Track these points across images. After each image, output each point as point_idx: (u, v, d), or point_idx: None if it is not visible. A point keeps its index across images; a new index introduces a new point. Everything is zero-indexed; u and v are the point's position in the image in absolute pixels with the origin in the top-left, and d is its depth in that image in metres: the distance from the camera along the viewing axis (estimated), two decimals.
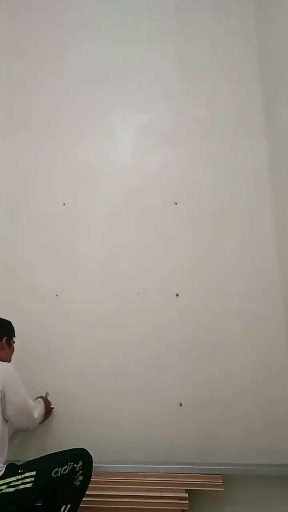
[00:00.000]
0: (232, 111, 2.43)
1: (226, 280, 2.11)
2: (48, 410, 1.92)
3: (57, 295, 2.17)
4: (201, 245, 2.19)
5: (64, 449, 1.63)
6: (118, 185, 2.34)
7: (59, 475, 1.47)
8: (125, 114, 2.51)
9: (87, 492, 1.58)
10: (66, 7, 2.75)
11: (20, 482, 1.41)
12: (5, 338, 1.80)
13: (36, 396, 1.93)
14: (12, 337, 1.86)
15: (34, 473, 1.44)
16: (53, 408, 1.96)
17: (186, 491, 1.70)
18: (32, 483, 1.42)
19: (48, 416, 1.93)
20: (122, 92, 2.54)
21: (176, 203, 2.28)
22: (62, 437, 1.93)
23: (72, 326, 2.11)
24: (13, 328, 1.87)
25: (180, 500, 1.68)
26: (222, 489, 1.71)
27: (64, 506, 1.46)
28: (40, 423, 1.86)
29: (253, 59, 2.50)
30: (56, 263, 2.23)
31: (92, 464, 1.58)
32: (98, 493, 1.68)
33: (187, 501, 1.67)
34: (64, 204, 2.34)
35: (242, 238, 2.19)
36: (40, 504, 1.50)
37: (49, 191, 2.37)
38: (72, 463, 1.51)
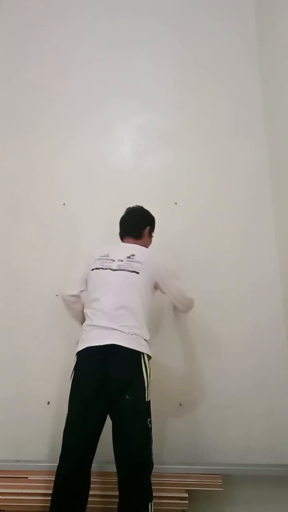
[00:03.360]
0: (232, 111, 2.43)
1: (226, 280, 2.12)
2: None
3: (57, 295, 2.16)
4: (201, 245, 2.19)
5: None
6: (118, 185, 2.34)
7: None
8: (125, 114, 2.51)
9: None
10: (67, 7, 2.75)
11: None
12: (148, 227, 1.88)
13: None
14: (154, 228, 1.93)
15: None
16: None
17: (186, 491, 1.70)
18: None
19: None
20: (122, 92, 2.54)
21: (176, 203, 2.28)
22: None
23: (72, 326, 2.10)
24: (155, 223, 1.95)
25: (180, 500, 1.68)
26: (222, 489, 1.71)
27: None
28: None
29: (253, 59, 2.51)
30: (56, 263, 2.23)
31: None
32: (98, 493, 1.68)
33: (187, 501, 1.68)
34: (64, 204, 2.34)
35: (242, 238, 2.20)
36: None
37: (49, 191, 2.37)
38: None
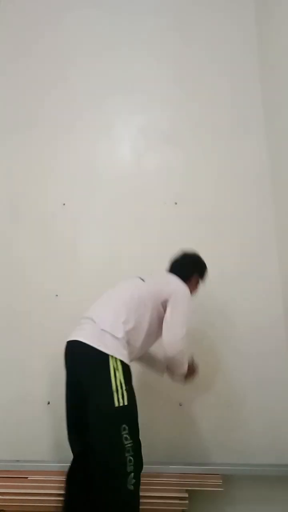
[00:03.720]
0: (232, 111, 2.43)
1: (227, 280, 2.12)
2: (192, 372, 1.73)
3: (57, 295, 2.17)
4: (201, 245, 2.18)
5: None
6: (118, 185, 2.34)
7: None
8: (125, 114, 2.51)
9: None
10: (66, 10, 2.75)
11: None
12: (196, 275, 1.76)
13: None
14: (202, 278, 1.80)
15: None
16: (196, 372, 1.75)
17: (186, 491, 1.70)
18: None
19: (190, 378, 1.73)
20: (122, 92, 2.54)
21: (176, 203, 2.28)
22: (63, 438, 1.92)
23: (73, 326, 2.10)
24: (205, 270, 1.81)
25: (180, 500, 1.68)
26: (222, 489, 1.71)
27: None
28: (181, 378, 1.70)
29: (253, 59, 2.51)
30: (56, 263, 2.23)
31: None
32: None
33: (187, 501, 1.68)
34: (64, 204, 2.34)
35: (242, 237, 2.20)
36: None
37: (49, 191, 2.37)
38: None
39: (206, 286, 2.10)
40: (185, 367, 1.64)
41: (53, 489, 1.67)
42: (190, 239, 2.20)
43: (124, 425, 1.37)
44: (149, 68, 2.57)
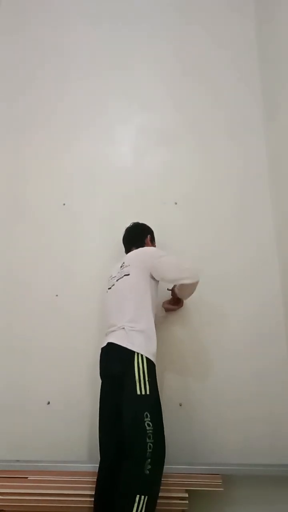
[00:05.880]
0: (231, 111, 2.44)
1: (227, 280, 2.12)
2: None
3: (57, 295, 2.17)
4: (201, 245, 2.19)
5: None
6: (118, 185, 2.34)
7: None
8: (125, 114, 2.52)
9: (85, 492, 1.58)
10: (68, 11, 2.76)
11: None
12: (148, 236, 1.98)
13: None
14: (154, 237, 2.02)
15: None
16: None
17: (186, 491, 1.70)
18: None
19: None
20: (123, 92, 2.54)
21: (176, 203, 2.28)
22: (63, 438, 1.93)
23: (73, 326, 2.11)
24: (151, 229, 2.03)
25: (180, 500, 1.68)
26: (222, 489, 1.71)
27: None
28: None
29: (253, 59, 2.51)
30: (56, 263, 2.23)
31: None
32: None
33: (187, 501, 1.67)
34: (64, 204, 2.34)
35: (242, 238, 2.20)
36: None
37: (49, 191, 2.37)
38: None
39: (205, 286, 2.11)
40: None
41: (53, 489, 1.66)
42: (190, 239, 2.20)
43: (146, 412, 1.47)
44: (149, 69, 2.57)
